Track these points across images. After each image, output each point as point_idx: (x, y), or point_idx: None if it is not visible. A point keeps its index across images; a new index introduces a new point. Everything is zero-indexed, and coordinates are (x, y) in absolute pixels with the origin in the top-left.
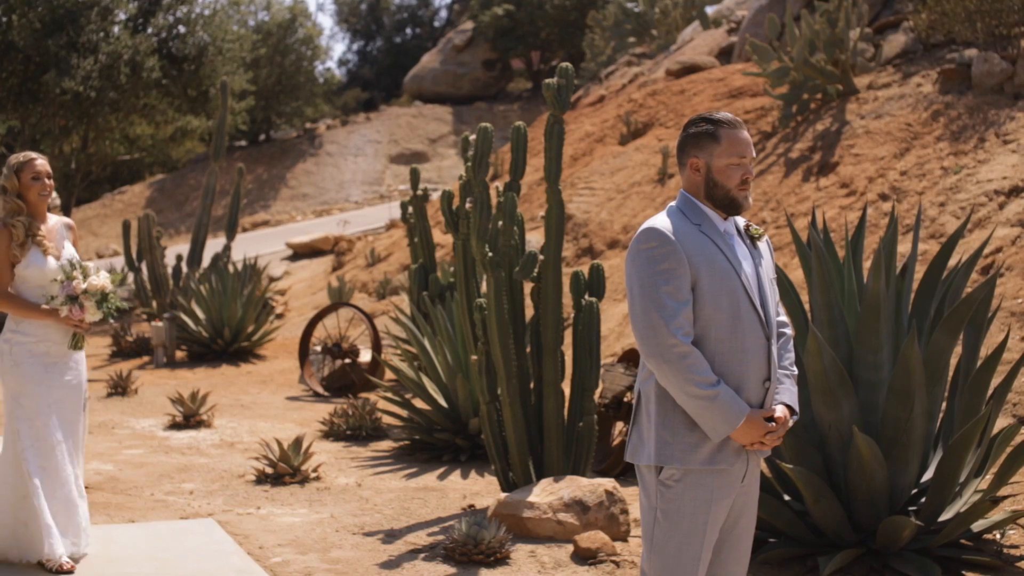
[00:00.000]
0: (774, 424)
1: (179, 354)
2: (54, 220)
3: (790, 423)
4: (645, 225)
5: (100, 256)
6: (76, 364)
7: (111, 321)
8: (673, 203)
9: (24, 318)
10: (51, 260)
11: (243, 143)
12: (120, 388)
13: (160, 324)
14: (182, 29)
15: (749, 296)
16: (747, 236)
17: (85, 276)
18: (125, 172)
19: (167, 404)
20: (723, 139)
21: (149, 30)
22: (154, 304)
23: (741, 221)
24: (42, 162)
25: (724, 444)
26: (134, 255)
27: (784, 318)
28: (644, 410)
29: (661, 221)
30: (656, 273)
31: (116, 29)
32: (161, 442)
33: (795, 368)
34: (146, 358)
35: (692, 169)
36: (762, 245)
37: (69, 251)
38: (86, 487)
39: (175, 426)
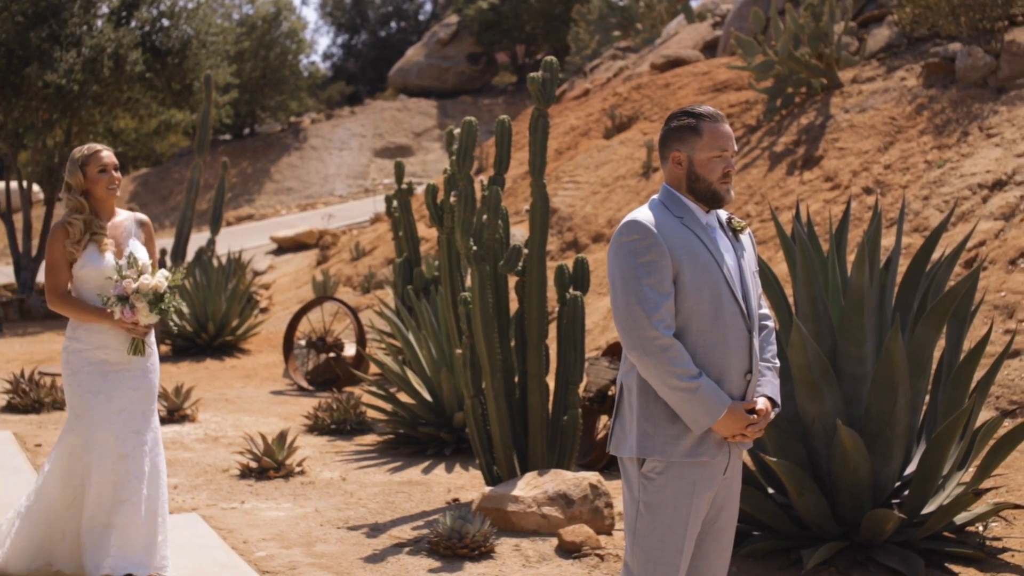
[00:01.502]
0: (755, 416)
1: (163, 348)
2: (124, 215)
3: (772, 415)
4: (627, 218)
5: None
6: (144, 372)
7: (171, 324)
8: (655, 196)
9: (82, 322)
10: (109, 258)
11: (227, 137)
12: None
13: None
14: (166, 22)
15: (731, 289)
16: (729, 229)
17: (139, 275)
18: None
19: None
20: (705, 133)
21: (132, 23)
22: None
23: (723, 214)
24: (108, 153)
25: (706, 436)
26: None
27: (766, 311)
28: (626, 402)
29: (643, 214)
30: (638, 266)
31: (99, 22)
32: None
33: (777, 361)
34: None
35: (674, 163)
36: (744, 238)
37: (136, 249)
38: None
39: (159, 420)
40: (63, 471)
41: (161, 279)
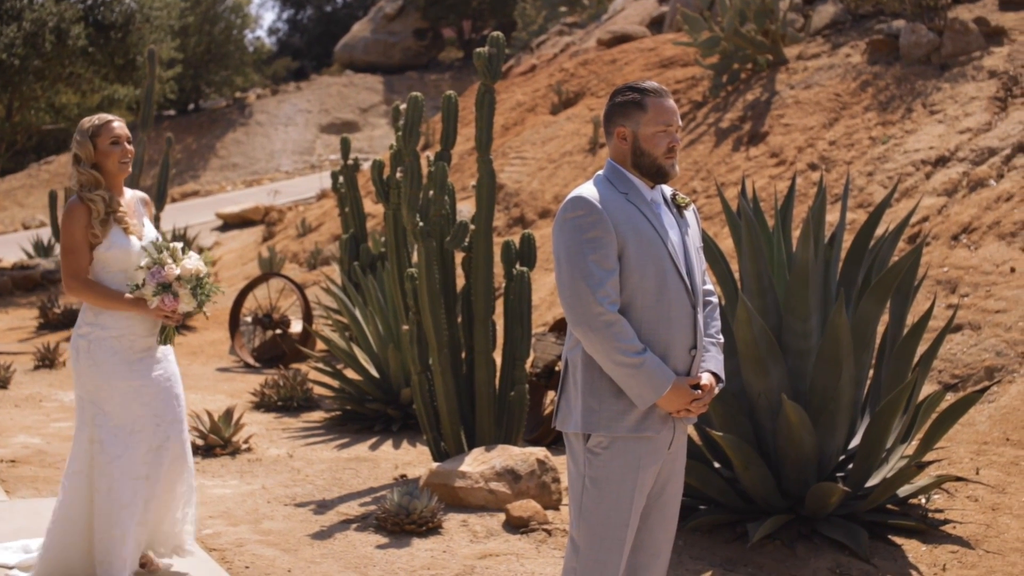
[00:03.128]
0: (700, 392)
1: None
2: (129, 194)
3: (716, 391)
4: (572, 194)
5: (27, 227)
6: (164, 355)
7: (204, 312)
8: (600, 172)
9: (105, 309)
10: (134, 240)
11: (172, 112)
12: (47, 360)
13: None
14: None
15: (675, 264)
16: (674, 205)
17: (176, 259)
18: (51, 142)
19: None
20: (649, 108)
21: None
22: None
23: (668, 190)
24: (120, 124)
25: (650, 411)
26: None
27: (710, 286)
28: (571, 378)
29: (588, 190)
30: (583, 242)
31: None
32: None
33: (721, 336)
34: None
35: (619, 138)
36: (688, 214)
37: (149, 230)
38: (12, 461)
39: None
40: (89, 470)
41: (198, 262)
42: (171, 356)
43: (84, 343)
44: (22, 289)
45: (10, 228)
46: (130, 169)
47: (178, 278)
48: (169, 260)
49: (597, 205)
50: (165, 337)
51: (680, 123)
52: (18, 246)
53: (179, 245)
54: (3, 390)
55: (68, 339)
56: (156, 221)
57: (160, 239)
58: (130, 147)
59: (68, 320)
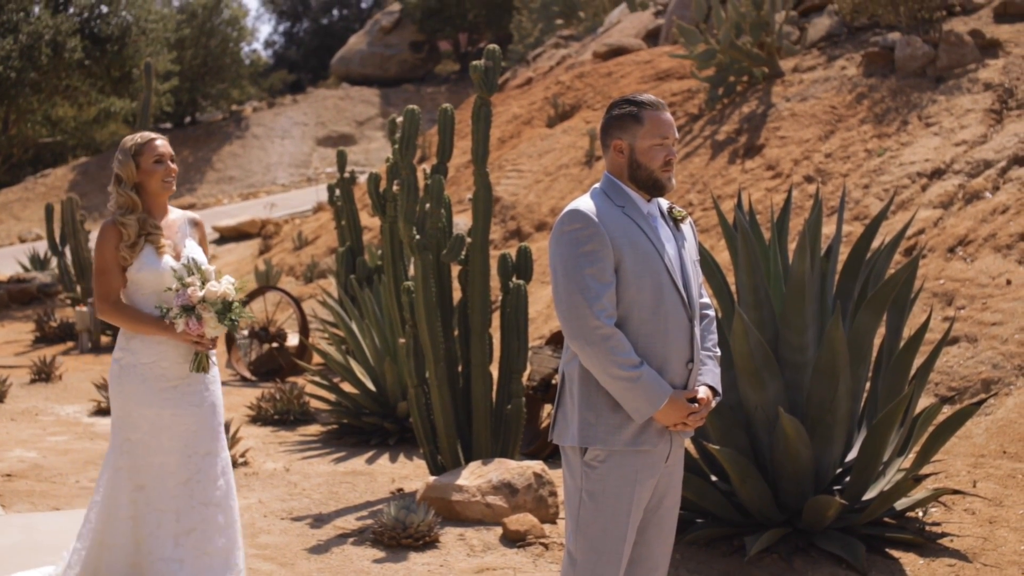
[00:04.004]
0: (697, 405)
1: (104, 339)
2: (176, 214)
3: (713, 404)
4: (569, 207)
5: (23, 240)
6: (206, 384)
7: (236, 336)
8: (597, 185)
9: (137, 333)
10: (167, 260)
11: (168, 125)
12: (44, 374)
13: (84, 309)
14: (104, 9)
15: (672, 277)
16: (670, 218)
17: (204, 281)
18: (48, 155)
19: (92, 390)
20: (646, 120)
21: (71, 10)
22: (78, 289)
23: (664, 203)
24: (163, 142)
25: (647, 425)
26: (57, 239)
27: (707, 300)
28: (568, 391)
29: (584, 203)
30: (580, 255)
31: (36, 8)
32: (86, 428)
33: (718, 350)
34: (70, 344)
35: (616, 151)
36: (685, 227)
37: (193, 251)
38: (8, 475)
39: (100, 412)
40: (111, 502)
41: (228, 286)
42: (215, 386)
43: (116, 368)
44: (18, 302)
45: (6, 241)
46: (174, 188)
47: (202, 300)
48: (196, 282)
49: (594, 218)
50: (197, 364)
51: (677, 136)
52: (14, 259)
53: (212, 268)
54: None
55: (64, 352)
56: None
57: (197, 260)
58: (173, 165)
59: (64, 334)
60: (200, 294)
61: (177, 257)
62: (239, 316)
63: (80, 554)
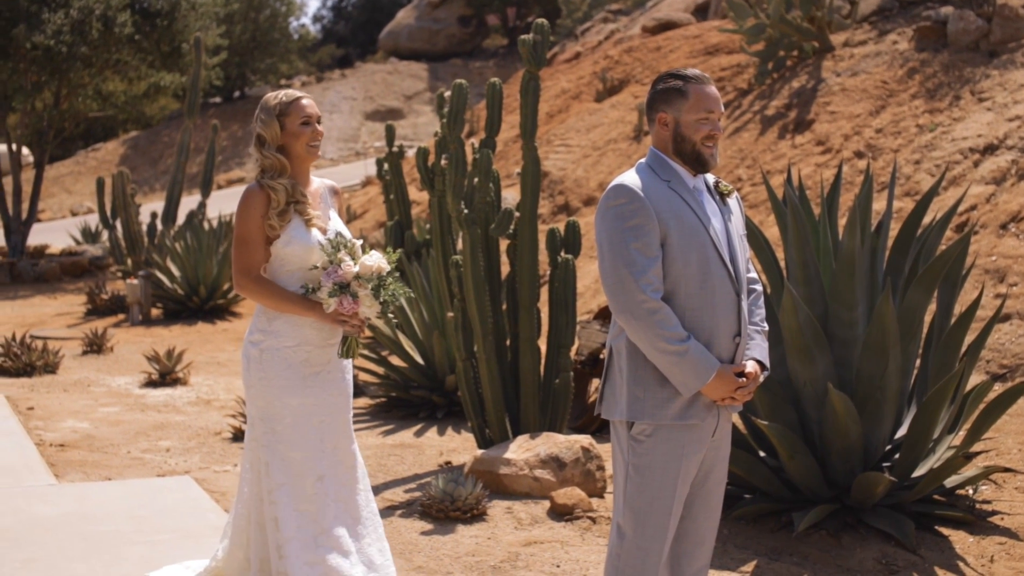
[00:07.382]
0: (744, 379)
1: (155, 312)
2: (317, 182)
3: (761, 379)
4: (614, 182)
5: (75, 214)
6: (343, 372)
7: (389, 316)
8: (643, 160)
9: (281, 312)
10: (316, 234)
11: (217, 100)
12: (96, 346)
13: (135, 282)
14: None
15: (718, 252)
16: (717, 193)
17: (354, 256)
18: (99, 129)
19: (143, 362)
20: (691, 94)
21: None
22: (129, 262)
23: (711, 178)
24: (310, 102)
25: (695, 399)
26: (108, 213)
27: (754, 274)
28: (615, 366)
29: (630, 178)
30: (625, 229)
31: None
32: (137, 400)
33: (766, 324)
34: (121, 316)
35: (660, 124)
36: (732, 202)
37: (336, 223)
38: (61, 446)
39: (151, 384)
40: (260, 493)
41: (380, 260)
42: (349, 375)
43: (256, 352)
44: (70, 275)
45: (58, 215)
46: (319, 153)
47: (357, 277)
48: (347, 258)
49: (639, 193)
50: (347, 349)
51: (723, 111)
52: (66, 232)
53: (359, 242)
54: (51, 375)
55: (116, 324)
56: (200, 208)
57: (342, 234)
58: (321, 127)
59: (115, 306)
60: (355, 270)
61: (324, 230)
62: (397, 293)
63: (227, 549)
